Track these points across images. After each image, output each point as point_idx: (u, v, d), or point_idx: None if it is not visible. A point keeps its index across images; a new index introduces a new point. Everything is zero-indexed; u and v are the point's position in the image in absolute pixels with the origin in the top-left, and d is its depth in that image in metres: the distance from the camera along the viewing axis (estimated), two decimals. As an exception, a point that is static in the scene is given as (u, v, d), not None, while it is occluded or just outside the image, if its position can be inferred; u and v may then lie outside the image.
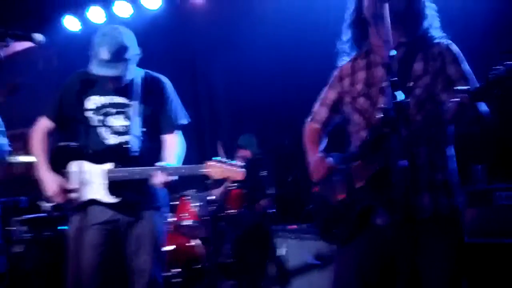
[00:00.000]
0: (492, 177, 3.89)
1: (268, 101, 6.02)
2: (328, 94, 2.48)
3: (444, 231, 2.11)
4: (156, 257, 2.89)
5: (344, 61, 2.44)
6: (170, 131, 2.97)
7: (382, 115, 1.97)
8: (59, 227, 5.25)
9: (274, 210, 4.94)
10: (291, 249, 4.34)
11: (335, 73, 2.46)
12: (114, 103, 2.92)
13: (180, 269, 4.80)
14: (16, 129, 4.02)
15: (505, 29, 4.18)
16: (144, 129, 2.91)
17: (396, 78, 1.80)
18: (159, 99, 2.97)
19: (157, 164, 2.74)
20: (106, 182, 2.81)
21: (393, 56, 1.84)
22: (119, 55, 2.76)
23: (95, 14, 6.22)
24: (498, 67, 1.58)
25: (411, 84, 2.10)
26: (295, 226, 4.45)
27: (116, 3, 6.18)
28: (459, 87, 1.77)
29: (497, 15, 4.22)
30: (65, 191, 2.84)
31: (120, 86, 2.91)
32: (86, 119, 2.94)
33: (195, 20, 6.22)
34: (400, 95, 1.79)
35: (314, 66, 5.19)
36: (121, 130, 2.89)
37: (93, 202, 2.85)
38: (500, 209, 3.63)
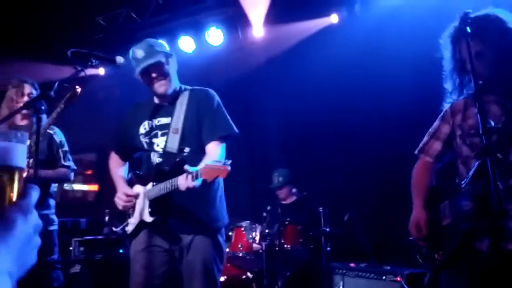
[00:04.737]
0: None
1: (323, 136, 6.01)
2: (442, 128, 2.52)
3: None
4: (207, 286, 2.81)
5: (449, 101, 2.51)
6: (210, 141, 2.90)
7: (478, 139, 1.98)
8: (120, 250, 5.31)
9: (329, 248, 4.80)
10: (348, 287, 4.24)
11: (447, 108, 2.52)
12: (159, 125, 2.98)
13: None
14: (74, 155, 4.12)
15: None
16: (184, 147, 2.89)
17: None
18: (202, 111, 2.95)
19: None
20: (147, 202, 2.84)
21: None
22: (152, 48, 2.90)
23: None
24: None
25: None
26: (353, 265, 4.34)
27: (181, 38, 6.42)
28: None
29: None
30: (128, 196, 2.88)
31: (165, 104, 2.98)
32: (142, 144, 3.01)
33: (254, 55, 6.35)
34: (490, 123, 1.86)
35: (369, 101, 5.19)
36: (161, 151, 2.92)
37: (144, 224, 2.86)
38: None
